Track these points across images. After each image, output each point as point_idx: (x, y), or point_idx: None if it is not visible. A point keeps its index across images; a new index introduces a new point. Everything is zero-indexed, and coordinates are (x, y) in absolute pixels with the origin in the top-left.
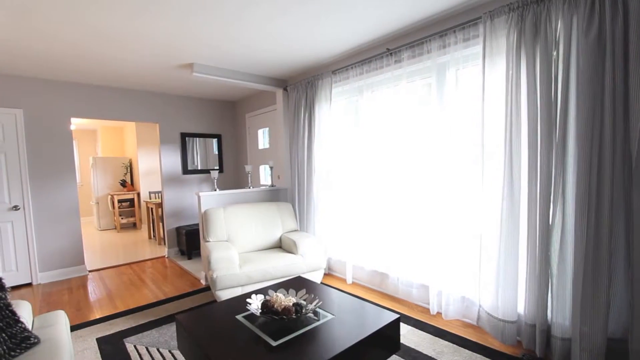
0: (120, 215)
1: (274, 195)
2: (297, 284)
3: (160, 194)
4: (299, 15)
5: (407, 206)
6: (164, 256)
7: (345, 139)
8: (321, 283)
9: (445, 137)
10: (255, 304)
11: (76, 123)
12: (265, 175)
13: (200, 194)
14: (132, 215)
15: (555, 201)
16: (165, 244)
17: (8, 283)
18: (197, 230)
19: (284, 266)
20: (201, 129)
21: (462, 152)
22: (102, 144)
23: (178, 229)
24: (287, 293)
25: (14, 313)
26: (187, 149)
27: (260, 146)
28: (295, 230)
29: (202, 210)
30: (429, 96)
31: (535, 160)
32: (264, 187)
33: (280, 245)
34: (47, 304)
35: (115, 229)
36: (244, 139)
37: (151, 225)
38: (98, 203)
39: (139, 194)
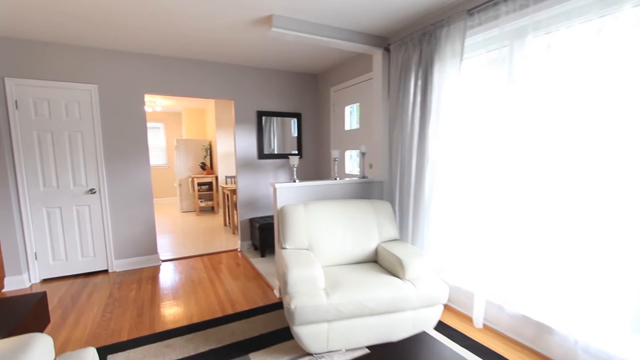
0: (199, 199)
1: (365, 189)
2: (423, 350)
3: (235, 179)
4: None
5: (604, 221)
6: (236, 249)
7: (483, 115)
8: (439, 322)
9: None
10: None
11: (162, 105)
12: (351, 163)
13: (277, 185)
14: (211, 199)
15: None
16: (238, 234)
17: (86, 269)
18: (272, 225)
19: (388, 299)
20: (279, 106)
21: None
22: (185, 126)
23: (252, 221)
24: None
25: None
26: (263, 130)
27: (347, 127)
28: (395, 240)
29: (278, 205)
30: None
31: None
32: (353, 179)
33: (375, 259)
34: (113, 301)
35: (195, 212)
36: (326, 119)
37: (226, 211)
38: (180, 185)
39: (217, 178)
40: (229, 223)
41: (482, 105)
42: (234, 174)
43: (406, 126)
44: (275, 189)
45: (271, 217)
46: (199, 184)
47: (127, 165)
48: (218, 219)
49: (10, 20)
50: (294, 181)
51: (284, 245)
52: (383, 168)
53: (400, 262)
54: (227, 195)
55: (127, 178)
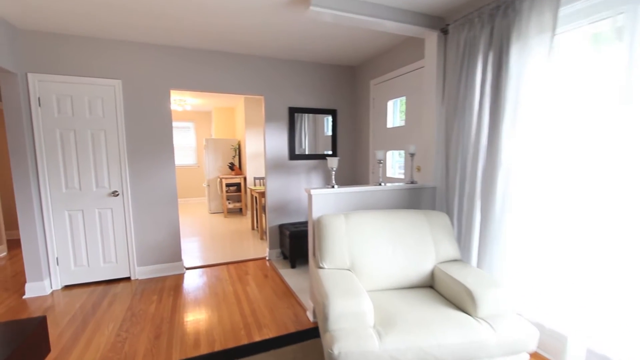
0: (227, 200)
1: (414, 197)
2: None
3: (264, 181)
4: None
5: None
6: (264, 257)
7: (584, 108)
8: None
9: None
10: None
11: (192, 104)
12: (392, 166)
13: (312, 191)
14: (239, 200)
15: None
16: (267, 240)
17: (108, 276)
18: (304, 232)
19: (458, 345)
20: (313, 102)
21: None
22: (215, 126)
23: (281, 228)
24: None
25: None
26: (295, 128)
27: (390, 124)
28: (455, 261)
29: (314, 215)
30: None
31: None
32: (398, 185)
33: (431, 284)
34: (131, 316)
35: (223, 213)
36: (365, 115)
37: (254, 214)
38: (209, 185)
39: (245, 179)
40: (257, 227)
41: (583, 95)
42: (262, 175)
43: (470, 122)
44: (310, 196)
45: (303, 223)
46: (227, 185)
47: (151, 166)
48: (246, 221)
49: (33, 11)
50: (332, 186)
51: (321, 264)
52: (436, 172)
53: (469, 293)
54: (256, 197)
55: (151, 179)
